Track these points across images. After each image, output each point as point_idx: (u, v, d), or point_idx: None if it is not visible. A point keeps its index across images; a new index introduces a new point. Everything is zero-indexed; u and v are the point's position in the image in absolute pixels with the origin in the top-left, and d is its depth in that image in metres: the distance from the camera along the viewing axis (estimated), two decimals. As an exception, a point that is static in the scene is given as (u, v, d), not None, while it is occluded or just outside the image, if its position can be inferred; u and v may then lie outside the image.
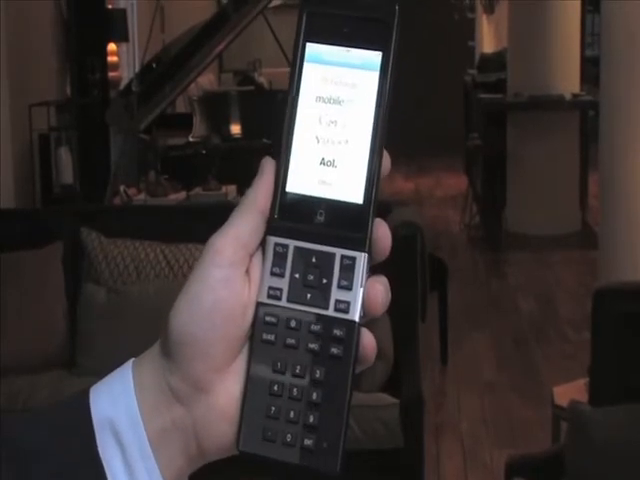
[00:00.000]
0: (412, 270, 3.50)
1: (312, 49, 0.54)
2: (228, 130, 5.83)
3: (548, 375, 4.61)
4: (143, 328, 3.26)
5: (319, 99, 0.54)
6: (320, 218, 0.54)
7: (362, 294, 0.53)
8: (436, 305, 4.76)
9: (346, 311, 0.53)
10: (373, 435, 3.23)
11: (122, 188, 4.81)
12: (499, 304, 5.88)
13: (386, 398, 3.28)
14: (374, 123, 0.54)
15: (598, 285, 3.11)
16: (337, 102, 0.54)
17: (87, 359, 3.51)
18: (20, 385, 3.42)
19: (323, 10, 0.54)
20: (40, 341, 3.55)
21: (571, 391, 3.20)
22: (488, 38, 9.94)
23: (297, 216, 0.54)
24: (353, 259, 0.53)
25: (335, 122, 0.54)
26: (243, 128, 5.82)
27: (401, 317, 3.38)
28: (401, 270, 3.40)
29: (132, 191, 4.84)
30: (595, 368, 2.76)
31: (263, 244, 0.55)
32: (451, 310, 4.92)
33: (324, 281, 0.53)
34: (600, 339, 2.72)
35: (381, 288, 0.54)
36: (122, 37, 6.76)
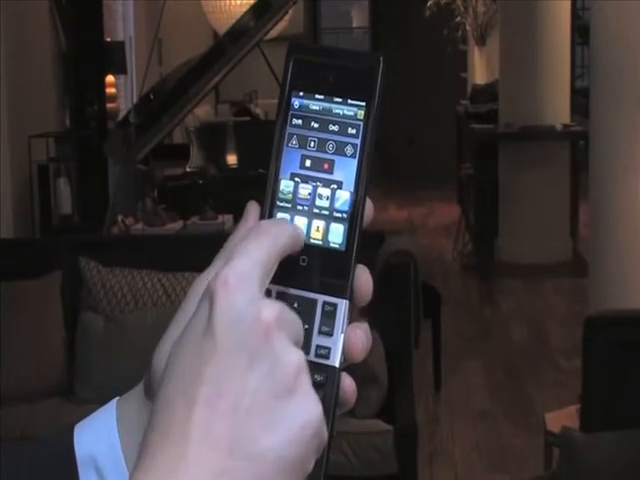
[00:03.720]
0: (406, 298, 3.54)
1: (298, 96, 0.56)
2: (224, 160, 5.90)
3: (540, 402, 4.64)
4: (140, 356, 3.29)
5: (304, 147, 0.56)
6: (303, 264, 0.54)
7: (343, 340, 0.54)
8: (429, 333, 4.81)
9: (327, 357, 0.53)
10: (367, 462, 3.25)
11: (120, 218, 4.85)
12: (491, 332, 5.92)
13: (380, 425, 3.31)
14: (357, 172, 0.55)
15: (589, 313, 3.15)
16: (321, 150, 0.55)
17: (85, 387, 3.54)
18: (18, 414, 3.44)
19: (309, 58, 0.56)
20: (38, 370, 3.57)
21: (563, 418, 3.23)
22: (480, 69, 10.03)
23: (280, 261, 0.54)
24: (334, 305, 0.54)
25: (319, 170, 0.55)
26: (239, 158, 5.89)
27: (395, 344, 3.42)
28: (395, 298, 3.44)
29: (129, 221, 4.88)
30: (586, 395, 2.80)
31: None
32: (444, 337, 4.97)
33: (305, 326, 0.53)
34: (591, 366, 2.75)
35: (362, 334, 0.54)
36: (120, 69, 6.84)
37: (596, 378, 2.74)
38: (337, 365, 0.54)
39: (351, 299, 0.54)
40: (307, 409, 0.49)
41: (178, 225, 4.89)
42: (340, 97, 0.55)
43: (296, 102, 0.56)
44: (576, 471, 2.46)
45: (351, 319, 0.54)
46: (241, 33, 5.67)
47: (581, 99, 8.22)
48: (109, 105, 6.61)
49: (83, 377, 3.57)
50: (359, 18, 13.94)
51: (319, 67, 0.56)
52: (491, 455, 4.23)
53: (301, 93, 0.56)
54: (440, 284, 5.83)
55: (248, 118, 8.51)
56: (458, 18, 10.04)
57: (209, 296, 0.50)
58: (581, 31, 10.41)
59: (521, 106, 7.04)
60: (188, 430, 0.48)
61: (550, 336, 5.75)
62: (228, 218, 4.87)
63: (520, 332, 5.87)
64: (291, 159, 0.56)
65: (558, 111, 7.09)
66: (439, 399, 4.90)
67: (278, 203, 0.55)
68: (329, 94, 0.56)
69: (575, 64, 10.45)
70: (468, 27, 10.08)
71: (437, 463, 4.18)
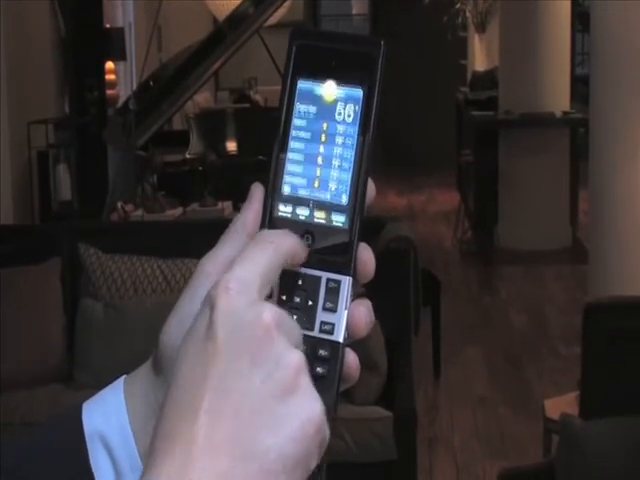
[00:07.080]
0: (405, 284, 3.55)
1: (301, 80, 0.57)
2: (224, 147, 5.90)
3: (539, 389, 4.65)
4: (140, 342, 3.30)
5: (307, 128, 0.56)
6: (307, 242, 0.56)
7: (346, 316, 0.55)
8: (429, 319, 4.81)
9: (331, 332, 0.55)
10: (366, 448, 3.26)
11: (119, 204, 4.86)
12: (491, 319, 5.93)
13: (379, 411, 3.32)
14: (359, 153, 0.56)
15: (588, 300, 3.15)
16: (324, 131, 0.56)
17: (84, 373, 3.54)
18: (18, 400, 3.44)
19: (312, 43, 0.56)
20: (38, 356, 3.58)
21: (562, 404, 3.23)
22: (480, 56, 10.00)
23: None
24: (338, 282, 0.55)
25: (322, 152, 0.56)
26: (239, 145, 5.89)
27: (395, 331, 3.42)
28: (394, 284, 3.45)
29: (129, 207, 4.89)
30: (585, 382, 2.80)
31: None
32: (444, 324, 4.97)
33: (310, 303, 0.55)
34: (590, 353, 2.76)
35: (365, 310, 0.55)
36: (120, 56, 6.83)
37: (595, 365, 2.74)
38: (341, 340, 0.55)
39: (354, 276, 0.56)
40: (308, 407, 0.50)
41: (178, 211, 4.90)
42: (342, 81, 0.56)
43: (300, 87, 0.57)
44: (575, 457, 2.47)
45: (354, 296, 0.56)
46: (241, 19, 5.66)
47: (581, 86, 8.20)
48: (109, 91, 6.60)
49: (82, 363, 3.57)
50: (359, 5, 13.91)
51: (322, 51, 0.57)
52: (490, 442, 4.24)
53: (305, 78, 0.57)
54: (440, 271, 5.84)
55: (248, 105, 8.50)
56: (458, 5, 10.01)
57: (210, 302, 0.51)
58: (581, 18, 10.38)
59: (521, 93, 7.03)
60: (192, 435, 0.49)
61: (550, 323, 5.76)
62: (227, 204, 4.87)
63: (520, 319, 5.88)
64: (295, 140, 0.57)
65: (558, 98, 7.08)
66: (438, 386, 4.91)
67: (285, 177, 0.56)
68: (332, 78, 0.56)
69: (575, 51, 10.43)
70: (468, 14, 10.05)
71: (436, 449, 4.19)
